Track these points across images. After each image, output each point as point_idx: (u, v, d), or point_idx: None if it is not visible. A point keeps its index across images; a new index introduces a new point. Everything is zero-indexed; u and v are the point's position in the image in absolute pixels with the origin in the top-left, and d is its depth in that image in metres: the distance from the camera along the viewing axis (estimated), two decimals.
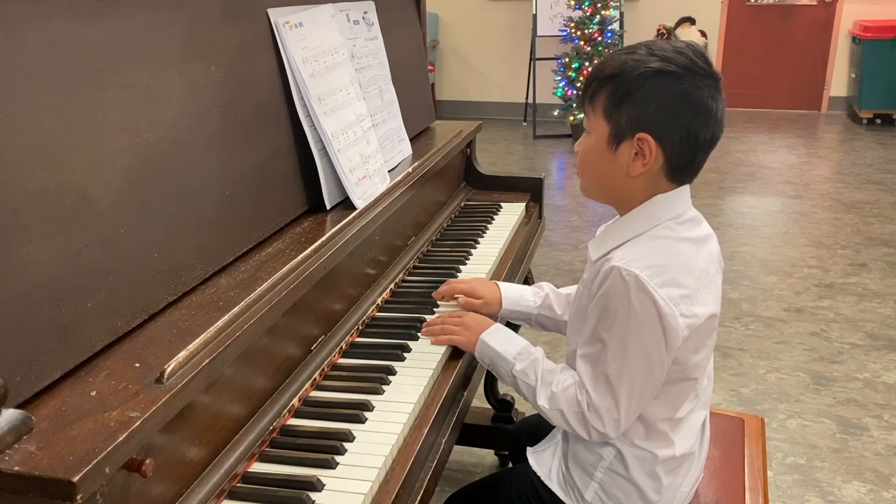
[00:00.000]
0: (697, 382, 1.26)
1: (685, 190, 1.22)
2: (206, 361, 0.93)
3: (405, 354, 1.34)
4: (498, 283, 1.54)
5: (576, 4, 6.29)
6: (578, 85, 6.31)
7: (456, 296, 1.50)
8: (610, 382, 1.17)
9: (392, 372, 1.28)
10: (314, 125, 1.43)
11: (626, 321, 1.14)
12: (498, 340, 1.33)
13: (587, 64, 6.29)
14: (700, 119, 1.14)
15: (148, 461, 0.81)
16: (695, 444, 1.30)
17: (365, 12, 1.75)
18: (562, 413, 1.22)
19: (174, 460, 0.91)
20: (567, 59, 6.37)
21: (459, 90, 7.77)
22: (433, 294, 1.52)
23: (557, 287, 1.54)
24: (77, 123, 0.95)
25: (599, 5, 6.25)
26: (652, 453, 1.24)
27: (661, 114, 1.14)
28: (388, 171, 1.68)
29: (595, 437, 1.21)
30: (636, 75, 1.14)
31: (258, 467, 1.05)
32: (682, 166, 1.19)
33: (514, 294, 1.52)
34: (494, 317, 1.48)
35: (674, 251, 1.18)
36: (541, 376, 1.26)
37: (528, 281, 2.10)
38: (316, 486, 1.00)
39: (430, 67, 6.83)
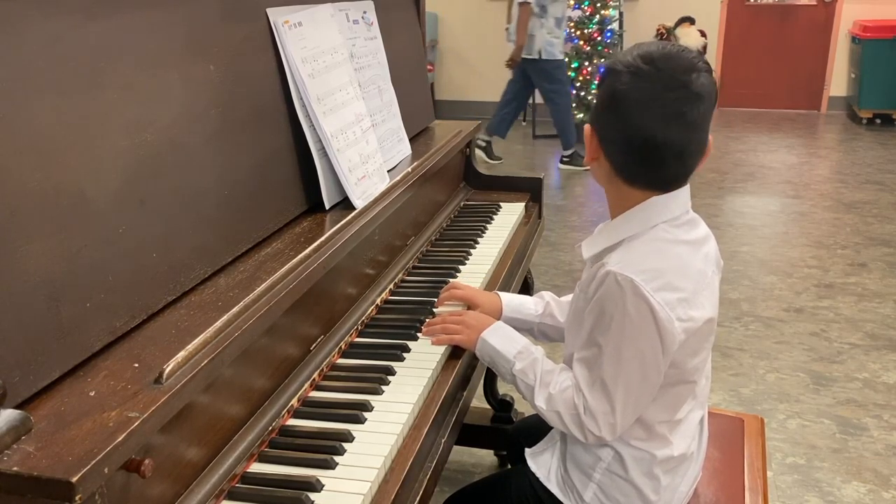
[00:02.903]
0: (696, 384, 1.26)
1: (683, 192, 1.21)
2: (205, 362, 0.93)
3: (404, 354, 1.34)
4: (498, 292, 1.54)
5: (575, 4, 6.29)
6: (578, 85, 6.31)
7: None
8: (606, 386, 1.17)
9: (391, 372, 1.28)
10: (313, 125, 1.43)
11: (622, 326, 1.13)
12: (498, 338, 1.33)
13: (587, 64, 6.29)
14: (641, 119, 1.12)
15: (147, 461, 0.81)
16: (693, 443, 1.30)
17: (364, 12, 1.75)
18: (558, 415, 1.22)
19: (173, 460, 0.91)
20: (566, 59, 6.37)
21: (459, 90, 7.77)
22: (434, 308, 1.52)
23: (559, 294, 1.54)
24: (76, 123, 0.95)
25: (599, 5, 6.25)
26: (650, 453, 1.24)
27: (602, 109, 1.18)
28: (388, 171, 1.68)
29: (591, 439, 1.21)
30: (602, 73, 1.20)
31: (257, 468, 1.05)
32: (627, 167, 1.18)
33: (514, 302, 1.51)
34: None
35: (670, 254, 1.18)
36: (539, 377, 1.26)
37: (527, 280, 2.10)
38: (315, 486, 1.00)
39: (429, 67, 6.83)
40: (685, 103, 1.11)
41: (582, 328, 1.21)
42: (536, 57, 5.42)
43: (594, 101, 1.24)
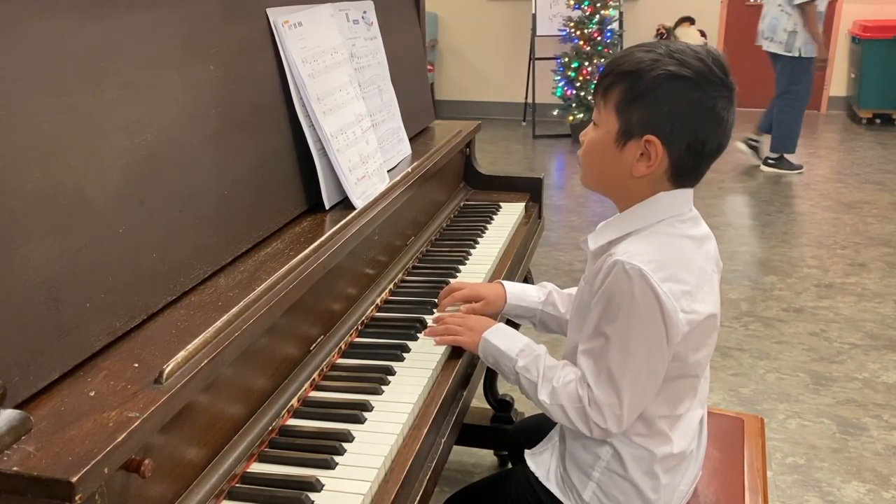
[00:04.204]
0: (697, 380, 1.26)
1: (689, 191, 1.23)
2: (205, 362, 0.93)
3: (404, 354, 1.34)
4: (501, 281, 1.55)
5: (575, 4, 6.29)
6: (578, 84, 6.32)
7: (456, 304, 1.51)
8: (613, 377, 1.17)
9: (391, 372, 1.28)
10: (313, 125, 1.43)
11: (629, 314, 1.14)
12: (500, 338, 1.33)
13: (587, 64, 6.29)
14: (710, 128, 1.16)
15: (147, 461, 0.81)
16: (692, 442, 1.30)
17: (364, 12, 1.75)
18: (562, 408, 1.22)
19: (173, 461, 0.91)
20: (566, 59, 6.37)
21: (459, 90, 7.77)
22: (436, 311, 1.51)
23: (560, 287, 1.54)
24: (76, 123, 0.95)
25: (599, 5, 6.26)
26: (649, 451, 1.24)
27: (672, 118, 1.14)
28: (388, 171, 1.68)
29: (596, 433, 1.21)
30: (653, 76, 1.14)
31: (257, 468, 1.05)
32: (686, 172, 1.19)
33: (517, 290, 1.52)
34: (497, 315, 1.48)
35: (674, 247, 1.19)
36: (542, 372, 1.26)
37: (527, 281, 2.10)
38: (315, 486, 1.00)
39: (429, 67, 6.83)
40: (730, 107, 1.18)
41: (587, 320, 1.21)
42: (797, 55, 5.14)
43: (656, 109, 1.14)
